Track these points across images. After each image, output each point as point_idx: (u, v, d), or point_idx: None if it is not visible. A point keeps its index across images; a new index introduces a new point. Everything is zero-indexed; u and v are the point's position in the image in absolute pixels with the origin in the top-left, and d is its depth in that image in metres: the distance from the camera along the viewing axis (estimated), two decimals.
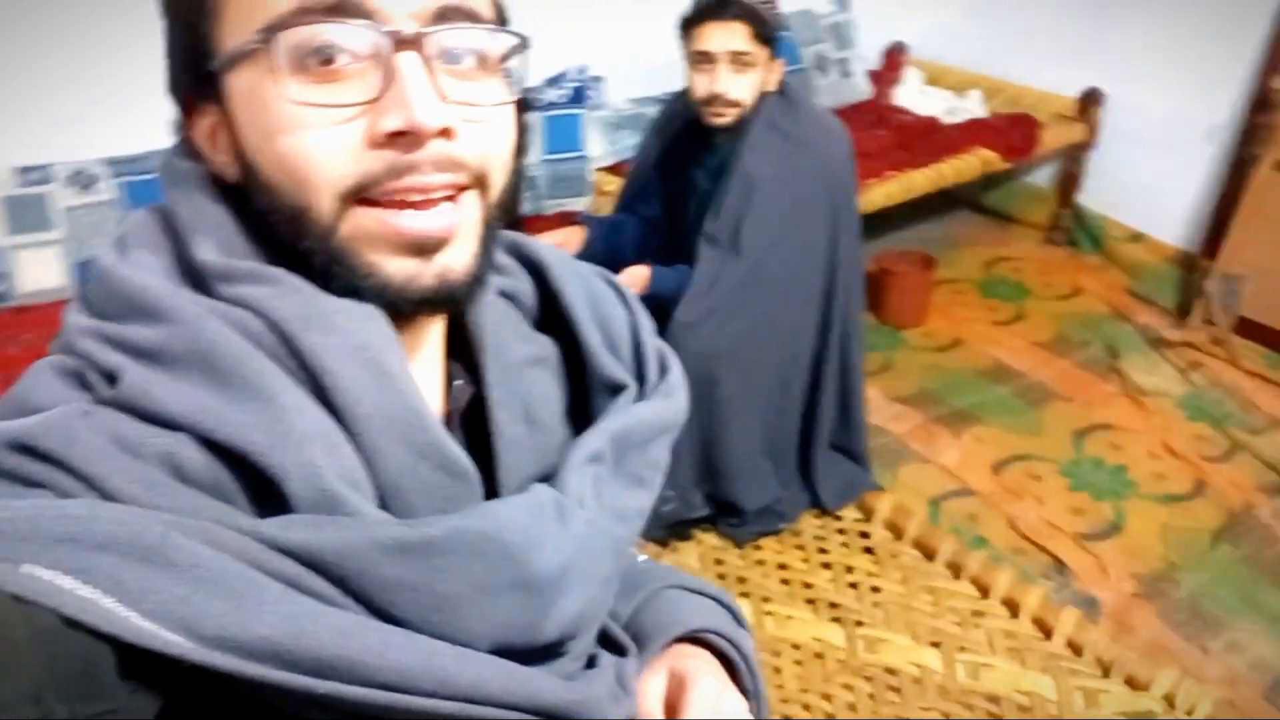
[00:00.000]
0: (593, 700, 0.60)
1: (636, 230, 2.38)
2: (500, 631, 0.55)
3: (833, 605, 2.21)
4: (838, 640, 2.13)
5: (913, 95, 4.12)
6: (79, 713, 0.44)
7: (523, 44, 0.60)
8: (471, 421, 0.66)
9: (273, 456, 0.50)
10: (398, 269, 0.56)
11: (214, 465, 0.51)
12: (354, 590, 0.50)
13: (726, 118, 2.07)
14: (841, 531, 2.33)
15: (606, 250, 2.26)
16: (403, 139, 0.54)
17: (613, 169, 3.44)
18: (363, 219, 0.55)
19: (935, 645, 2.14)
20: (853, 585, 2.30)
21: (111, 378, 0.53)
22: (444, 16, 0.55)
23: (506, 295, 0.70)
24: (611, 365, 0.69)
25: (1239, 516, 2.64)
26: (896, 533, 2.33)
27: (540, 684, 0.55)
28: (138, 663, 0.45)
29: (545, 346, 0.70)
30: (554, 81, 3.35)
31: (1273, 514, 2.65)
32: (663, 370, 0.72)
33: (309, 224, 0.55)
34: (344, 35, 0.53)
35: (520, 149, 2.73)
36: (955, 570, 2.35)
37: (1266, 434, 2.97)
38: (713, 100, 2.04)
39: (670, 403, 0.70)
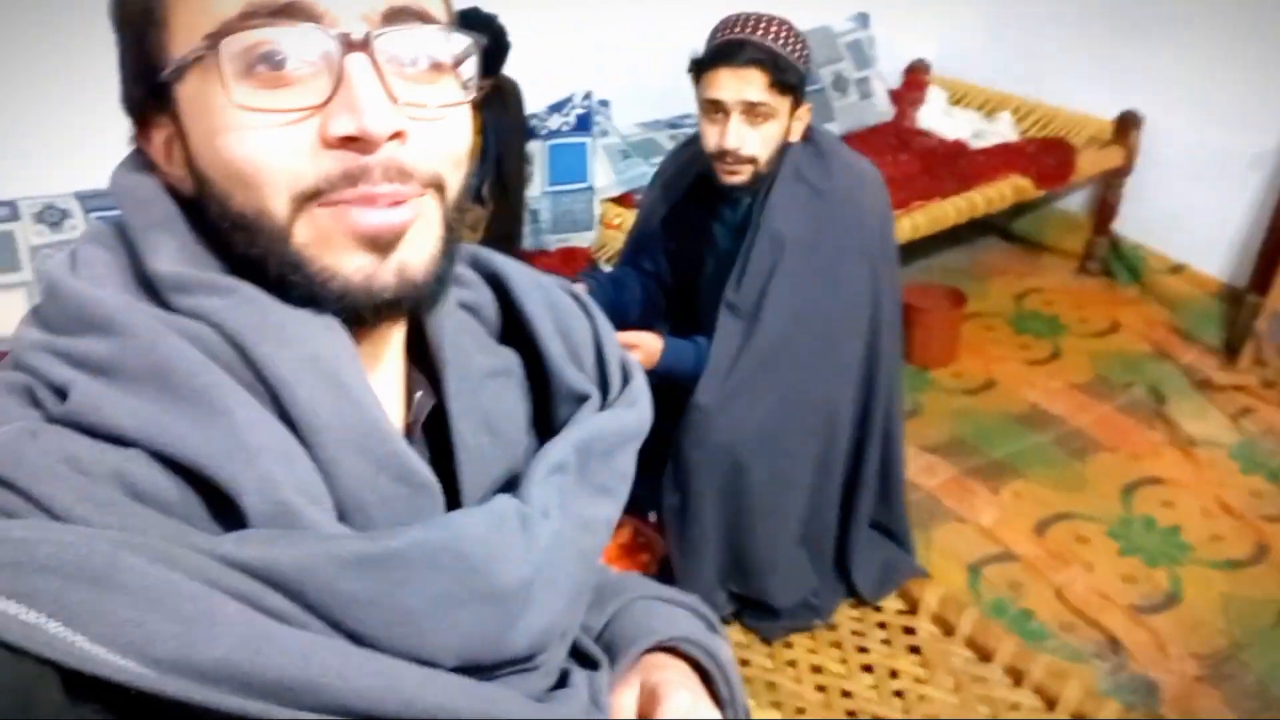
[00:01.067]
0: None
1: (641, 287, 2.15)
2: (466, 645, 0.54)
3: None
4: None
5: (937, 116, 3.90)
6: None
7: (476, 44, 0.61)
8: (433, 433, 0.65)
9: (227, 471, 0.50)
10: (355, 268, 0.55)
11: (168, 482, 0.50)
12: (314, 606, 0.49)
13: (740, 175, 1.84)
14: (883, 626, 2.08)
15: (609, 309, 2.04)
16: (354, 143, 0.53)
17: (620, 200, 3.23)
18: (317, 219, 0.54)
19: None
20: (898, 694, 2.03)
21: (62, 393, 0.52)
22: (393, 18, 0.55)
23: (467, 307, 0.69)
24: (574, 376, 0.69)
25: None
26: (946, 629, 2.07)
27: (510, 705, 0.55)
28: (85, 690, 0.44)
29: (507, 358, 0.70)
30: (558, 108, 3.14)
31: None
32: (625, 379, 0.71)
33: (263, 230, 0.55)
34: (291, 39, 0.53)
35: (521, 181, 2.52)
36: (1016, 676, 2.07)
37: None
38: (723, 155, 1.81)
39: (634, 411, 0.69)
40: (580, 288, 1.74)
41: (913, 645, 1.96)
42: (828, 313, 1.81)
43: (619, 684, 0.71)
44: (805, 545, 1.99)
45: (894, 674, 2.00)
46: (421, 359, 0.66)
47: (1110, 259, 3.83)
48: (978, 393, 3.20)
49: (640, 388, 0.71)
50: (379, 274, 0.56)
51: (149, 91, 0.58)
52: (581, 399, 0.68)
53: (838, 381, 1.85)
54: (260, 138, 0.53)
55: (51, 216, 2.66)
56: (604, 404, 0.69)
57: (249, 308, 0.54)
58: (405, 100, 0.55)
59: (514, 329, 0.71)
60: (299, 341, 0.54)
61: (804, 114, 1.83)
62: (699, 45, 1.88)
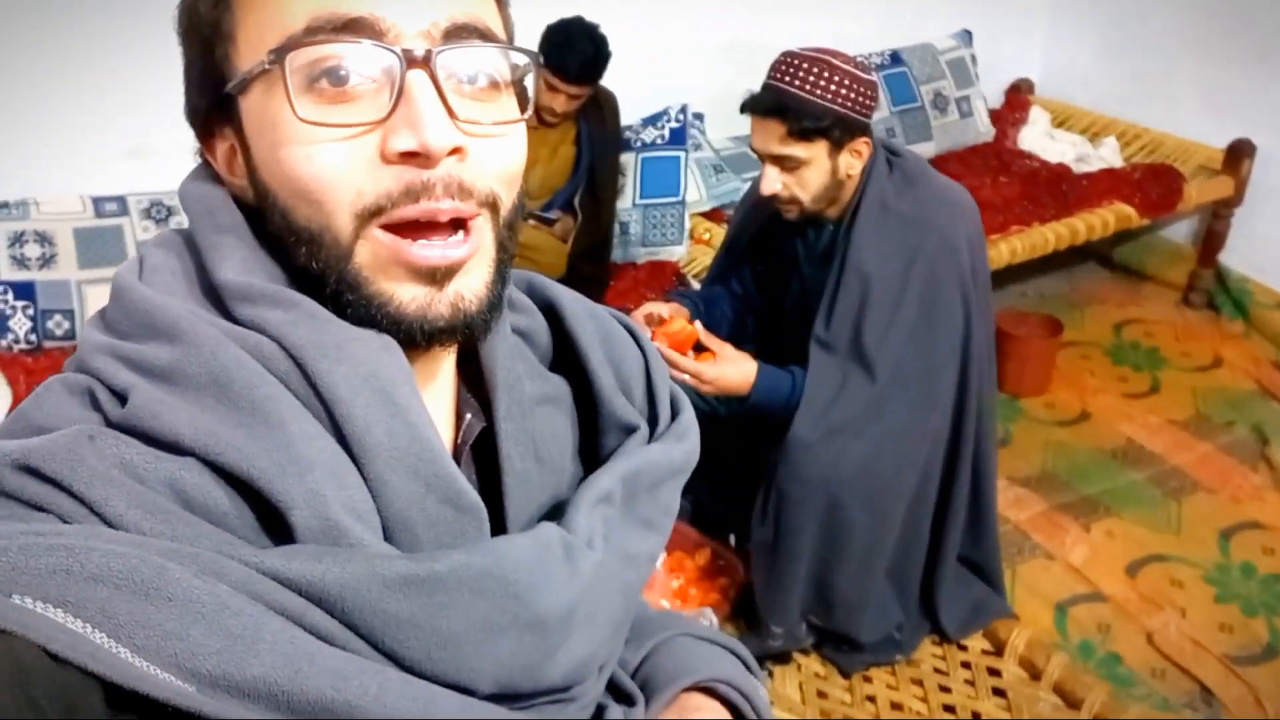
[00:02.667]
0: None
1: (731, 308, 2.12)
2: (505, 672, 0.54)
3: None
4: None
5: (1039, 138, 3.81)
6: None
7: (535, 62, 0.61)
8: (481, 456, 0.65)
9: (278, 484, 0.50)
10: (411, 298, 0.56)
11: (220, 492, 0.51)
12: (356, 625, 0.50)
13: (791, 214, 1.83)
14: (967, 666, 2.01)
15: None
16: (414, 159, 0.54)
17: (710, 215, 3.21)
18: (378, 245, 0.55)
19: None
20: None
21: (122, 398, 0.52)
22: (454, 35, 0.56)
23: (520, 333, 0.69)
24: (623, 407, 0.68)
25: None
26: (1033, 672, 1.99)
27: None
28: (126, 701, 0.43)
29: (558, 386, 0.70)
30: (652, 120, 3.13)
31: None
32: (674, 413, 0.71)
33: (325, 246, 0.56)
34: (354, 55, 0.54)
35: (613, 193, 2.51)
36: None
37: None
38: (770, 199, 1.80)
39: (682, 445, 0.69)
40: (672, 307, 1.72)
41: (998, 688, 1.90)
42: (924, 346, 1.77)
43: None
44: (892, 580, 1.95)
45: (976, 717, 1.93)
46: (473, 381, 0.66)
47: (1215, 291, 3.69)
48: (1071, 425, 3.11)
49: (689, 422, 0.72)
50: (434, 304, 0.57)
51: (213, 103, 0.59)
52: (630, 430, 0.68)
53: (934, 414, 1.81)
54: (322, 152, 0.54)
55: (159, 213, 2.74)
56: (652, 437, 0.69)
57: (310, 323, 0.55)
58: (464, 117, 0.56)
59: (565, 357, 0.71)
60: (357, 360, 0.55)
61: (861, 147, 1.77)
62: None
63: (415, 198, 0.54)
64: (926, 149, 3.66)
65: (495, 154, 0.58)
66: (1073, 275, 3.95)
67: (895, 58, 3.69)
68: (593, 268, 2.85)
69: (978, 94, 3.84)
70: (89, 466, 0.49)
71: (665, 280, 2.95)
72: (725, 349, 1.83)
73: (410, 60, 0.54)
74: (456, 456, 0.64)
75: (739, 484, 1.92)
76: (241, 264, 0.57)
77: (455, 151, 0.55)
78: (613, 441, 0.68)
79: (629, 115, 2.97)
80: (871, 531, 1.80)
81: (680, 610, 1.85)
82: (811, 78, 1.70)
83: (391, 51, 0.54)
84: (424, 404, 0.57)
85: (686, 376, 1.78)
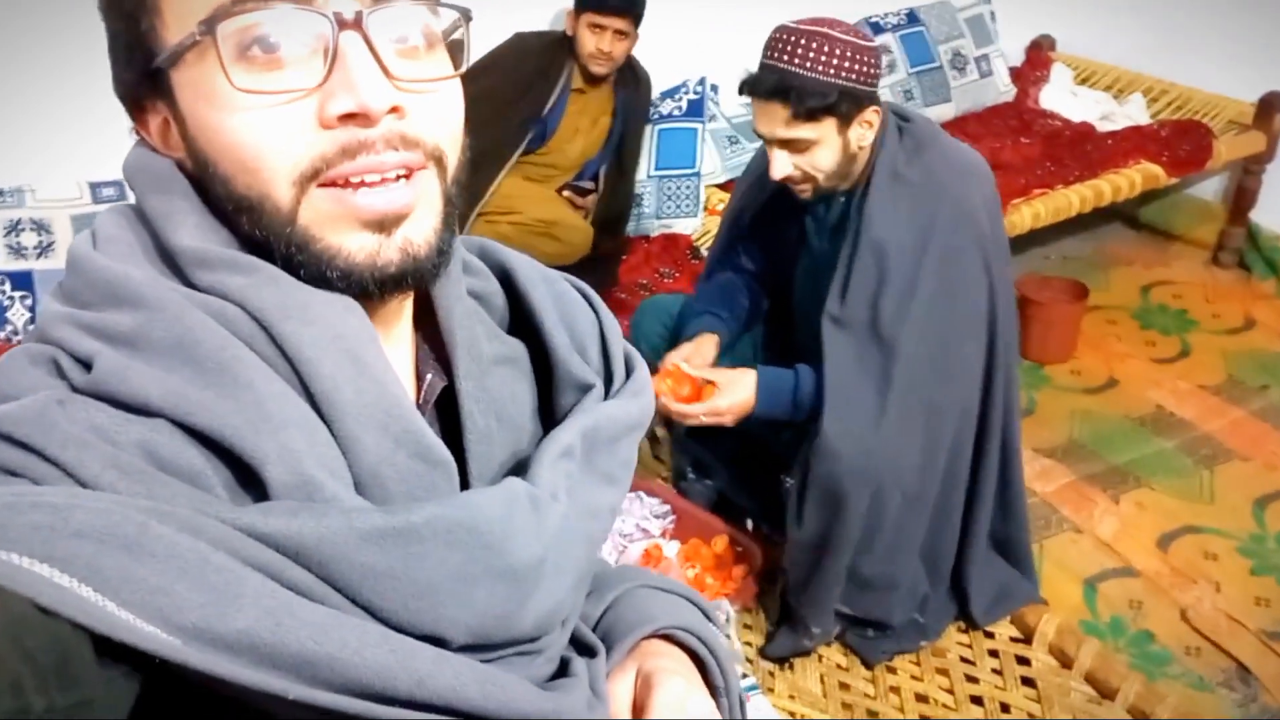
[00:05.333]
0: (569, 709, 0.60)
1: (747, 294, 2.04)
2: (479, 621, 0.55)
3: None
4: None
5: (1062, 96, 3.70)
6: (56, 703, 0.42)
7: (465, 17, 0.61)
8: (443, 415, 0.66)
9: (251, 441, 0.51)
10: (359, 247, 0.57)
11: (192, 452, 0.51)
12: (334, 579, 0.50)
13: (806, 193, 1.76)
14: (994, 654, 1.94)
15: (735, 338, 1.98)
16: (354, 120, 0.54)
17: (725, 186, 3.14)
18: (320, 201, 0.56)
19: None
20: None
21: (87, 365, 0.52)
22: None
23: (476, 296, 0.70)
24: (579, 366, 0.69)
25: None
26: (1064, 661, 1.92)
27: (517, 691, 0.56)
28: (114, 653, 0.44)
29: (515, 347, 0.71)
30: (670, 93, 3.07)
31: None
32: (629, 371, 0.73)
33: (267, 213, 0.56)
34: (285, 20, 0.54)
35: (635, 165, 2.45)
36: (1141, 716, 1.89)
37: None
38: (782, 180, 1.74)
39: (638, 401, 0.71)
40: (694, 348, 1.64)
41: (1027, 677, 1.84)
42: (946, 318, 1.69)
43: (615, 671, 0.72)
44: (924, 560, 1.87)
45: (1005, 708, 1.87)
46: (433, 342, 0.67)
47: (1246, 250, 3.59)
48: (1098, 392, 3.03)
49: (644, 379, 0.73)
50: (383, 251, 0.57)
51: (143, 77, 0.58)
52: (586, 389, 0.69)
53: (962, 388, 1.73)
54: (259, 120, 0.54)
55: None
56: (608, 394, 0.71)
57: (272, 287, 0.55)
58: (400, 75, 0.56)
59: (521, 321, 0.72)
60: (322, 321, 0.55)
61: (871, 117, 1.69)
62: None
63: (353, 155, 0.55)
64: (945, 110, 3.57)
65: (434, 109, 0.58)
66: (1097, 236, 3.84)
67: (912, 16, 3.59)
68: (610, 241, 2.79)
69: (997, 52, 3.74)
70: (61, 430, 0.49)
71: (678, 253, 2.89)
72: (721, 375, 1.80)
73: (341, 23, 0.54)
74: (421, 413, 0.63)
75: (757, 468, 1.86)
76: (196, 230, 0.57)
77: (394, 110, 0.55)
78: (570, 400, 0.69)
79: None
80: (905, 514, 1.73)
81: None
82: (811, 53, 1.62)
83: (322, 15, 0.54)
84: (389, 362, 0.58)
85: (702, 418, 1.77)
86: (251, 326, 0.54)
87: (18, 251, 2.51)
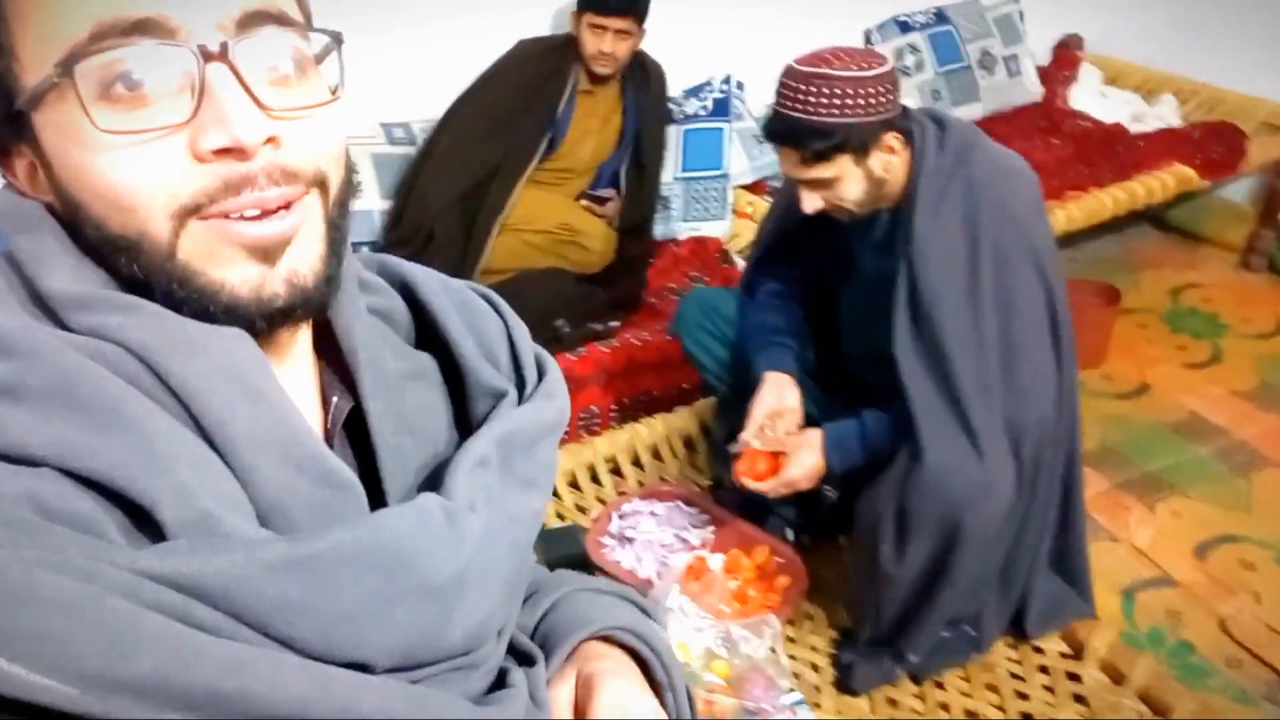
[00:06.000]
0: None
1: (799, 314, 2.01)
2: (403, 643, 0.55)
3: None
4: None
5: (1091, 97, 3.67)
6: None
7: (336, 41, 0.60)
8: (354, 437, 0.66)
9: (142, 483, 0.49)
10: (242, 279, 0.55)
11: (82, 499, 0.49)
12: (242, 614, 0.49)
13: (844, 218, 1.75)
14: (1044, 670, 1.89)
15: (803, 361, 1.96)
16: (229, 154, 0.53)
17: (752, 187, 3.11)
18: (199, 234, 0.54)
19: None
20: None
21: None
22: (249, 23, 0.55)
23: (378, 313, 0.69)
24: (489, 373, 0.69)
25: None
26: (1116, 677, 1.86)
27: (450, 709, 0.56)
28: (10, 708, 0.43)
29: (422, 361, 0.70)
30: (695, 92, 3.03)
31: None
32: (541, 373, 0.72)
33: (144, 250, 0.54)
34: (146, 57, 0.52)
35: (659, 165, 2.42)
36: None
37: None
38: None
39: (553, 403, 0.70)
40: (775, 402, 1.60)
41: (1078, 694, 1.82)
42: (1011, 330, 1.65)
43: (555, 678, 0.71)
44: (999, 574, 1.84)
45: None
46: (336, 364, 0.66)
47: (1276, 253, 3.55)
48: (1130, 398, 3.00)
49: (556, 380, 0.72)
50: (267, 284, 0.56)
51: (4, 120, 0.56)
52: (499, 395, 0.69)
53: (1038, 399, 1.70)
54: (129, 160, 0.53)
55: None
56: (522, 399, 0.70)
57: (153, 323, 0.54)
58: (272, 105, 0.54)
59: (427, 333, 0.71)
60: (207, 352, 0.54)
61: (890, 144, 1.66)
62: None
63: (237, 190, 0.54)
64: (973, 111, 3.53)
65: (312, 136, 0.57)
66: (1124, 238, 3.81)
67: (940, 15, 3.56)
68: (637, 245, 2.75)
69: (1026, 52, 3.70)
70: None
71: (708, 257, 2.86)
72: (788, 442, 1.77)
73: (207, 55, 0.53)
74: (329, 439, 0.63)
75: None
76: (70, 272, 0.55)
77: (270, 141, 0.54)
78: (483, 408, 0.69)
79: (670, 87, 2.86)
80: (995, 534, 1.70)
81: (742, 616, 1.78)
82: (812, 98, 1.61)
83: (185, 48, 0.52)
84: (284, 389, 0.57)
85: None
86: (134, 365, 0.52)
87: None
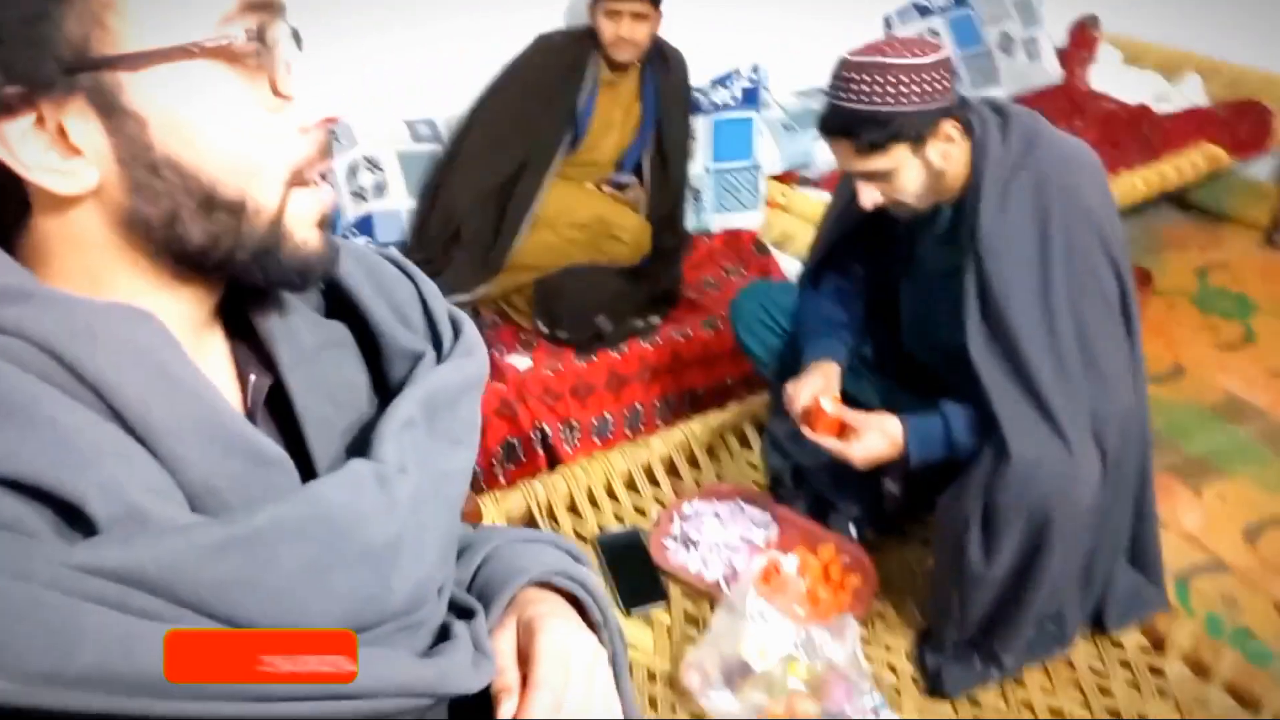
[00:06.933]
0: (453, 672, 0.62)
1: (859, 308, 1.98)
2: (346, 607, 0.56)
3: None
4: None
5: (1110, 77, 3.64)
6: None
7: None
8: (277, 413, 0.66)
9: (67, 481, 0.49)
10: (316, 242, 0.61)
11: (8, 502, 0.48)
12: (183, 598, 0.50)
13: (904, 214, 1.71)
14: (1126, 665, 1.86)
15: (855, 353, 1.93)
16: (323, 123, 0.60)
17: (782, 177, 3.07)
18: (300, 199, 0.60)
19: None
20: None
21: None
22: None
23: None
24: (405, 335, 0.70)
25: None
26: (1199, 671, 1.84)
27: (398, 665, 0.58)
28: None
29: (336, 330, 0.70)
30: (721, 81, 2.99)
31: None
32: (456, 331, 0.73)
33: (248, 214, 0.57)
34: (272, 32, 0.57)
35: (684, 154, 2.36)
36: None
37: None
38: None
39: (471, 360, 0.71)
40: (821, 375, 1.57)
41: (1163, 688, 1.80)
42: (1087, 321, 1.62)
43: (496, 627, 0.73)
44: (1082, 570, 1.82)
45: None
46: (248, 341, 0.67)
47: None
48: (1166, 381, 2.98)
49: (472, 337, 0.74)
50: (326, 247, 0.62)
51: (34, 74, 0.52)
52: (416, 357, 0.70)
53: (1119, 390, 1.68)
54: (257, 129, 0.57)
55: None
56: (440, 358, 0.70)
57: (53, 311, 0.53)
58: None
59: (338, 303, 0.72)
60: (116, 339, 0.53)
61: (948, 133, 1.62)
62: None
63: (325, 155, 0.61)
64: (993, 94, 3.50)
65: None
66: (1146, 218, 3.79)
67: None
68: (672, 236, 2.71)
69: (1044, 33, 3.67)
70: None
71: (743, 249, 2.83)
72: (861, 420, 1.71)
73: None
74: (250, 416, 0.64)
75: (855, 471, 1.79)
76: None
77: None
78: (402, 370, 0.69)
79: (695, 76, 2.82)
80: (1080, 529, 1.67)
81: (816, 618, 1.75)
82: (866, 87, 1.57)
83: (288, 26, 0.59)
84: (200, 370, 0.57)
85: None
86: (42, 358, 0.51)
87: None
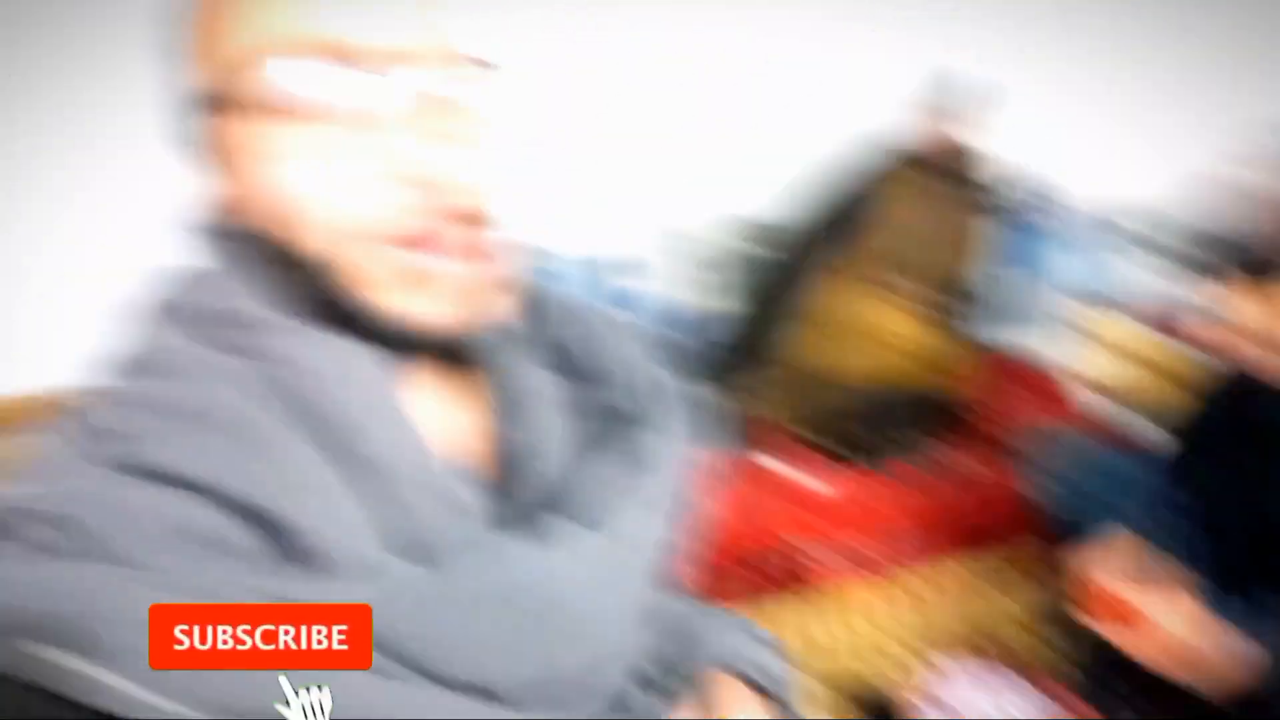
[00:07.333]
0: None
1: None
2: (531, 670, 0.55)
3: None
4: None
5: None
6: None
7: None
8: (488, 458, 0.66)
9: (288, 511, 0.50)
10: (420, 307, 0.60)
11: (228, 525, 0.50)
12: (380, 641, 0.50)
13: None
14: None
15: None
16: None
17: (1092, 304, 2.79)
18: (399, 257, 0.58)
19: None
20: None
21: (121, 438, 0.51)
22: None
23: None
24: (620, 396, 0.69)
25: None
26: None
27: None
28: None
29: (547, 381, 0.69)
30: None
31: None
32: (670, 398, 0.70)
33: (340, 272, 0.56)
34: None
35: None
36: None
37: None
38: None
39: (683, 429, 0.70)
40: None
41: None
42: None
43: (679, 707, 0.71)
44: None
45: None
46: (463, 380, 0.66)
47: None
48: None
49: (687, 406, 0.71)
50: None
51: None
52: (629, 417, 0.67)
53: None
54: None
55: None
56: (650, 423, 0.67)
57: (308, 348, 0.55)
58: None
59: (558, 354, 0.71)
60: (356, 381, 0.55)
61: None
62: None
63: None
64: None
65: None
66: None
67: None
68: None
69: None
70: (94, 510, 0.47)
71: (1051, 391, 2.54)
72: (1152, 603, 1.35)
73: None
74: (460, 460, 0.62)
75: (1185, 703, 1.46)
76: (238, 290, 0.56)
77: None
78: (613, 431, 0.67)
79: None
80: None
81: None
82: None
83: None
84: (423, 414, 0.58)
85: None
86: (284, 391, 0.53)
87: None
